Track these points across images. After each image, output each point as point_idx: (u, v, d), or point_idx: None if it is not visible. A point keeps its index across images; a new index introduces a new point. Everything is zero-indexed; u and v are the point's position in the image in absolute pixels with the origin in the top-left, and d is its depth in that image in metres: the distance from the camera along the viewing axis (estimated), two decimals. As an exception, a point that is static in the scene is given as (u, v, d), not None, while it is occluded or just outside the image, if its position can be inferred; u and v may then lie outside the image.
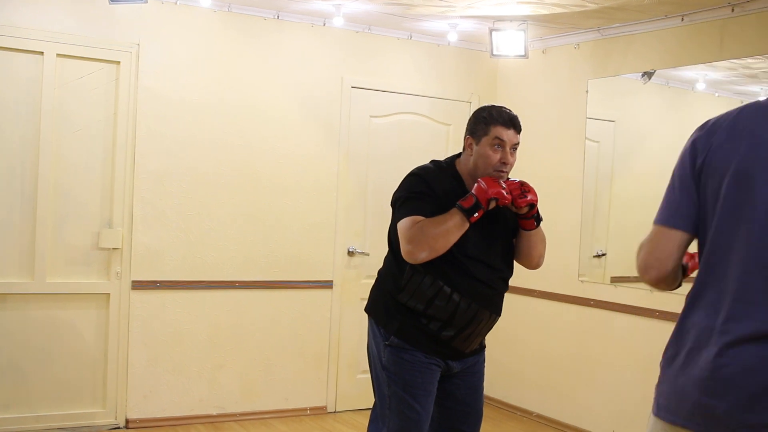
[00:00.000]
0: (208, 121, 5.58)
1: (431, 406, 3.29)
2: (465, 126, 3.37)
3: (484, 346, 3.47)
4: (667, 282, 2.18)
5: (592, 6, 5.06)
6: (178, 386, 5.54)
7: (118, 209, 5.34)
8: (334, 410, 6.03)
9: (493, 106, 3.33)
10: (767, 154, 1.93)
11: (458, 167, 3.31)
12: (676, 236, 2.10)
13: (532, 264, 3.40)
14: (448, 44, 6.26)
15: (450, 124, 6.43)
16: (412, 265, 3.17)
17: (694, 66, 5.31)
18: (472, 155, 3.25)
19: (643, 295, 5.28)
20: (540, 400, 6.10)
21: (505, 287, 3.36)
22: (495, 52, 5.71)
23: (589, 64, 5.82)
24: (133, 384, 5.40)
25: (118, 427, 5.37)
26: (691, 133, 2.14)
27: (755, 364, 1.88)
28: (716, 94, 5.88)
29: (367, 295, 6.01)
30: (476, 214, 3.05)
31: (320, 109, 5.95)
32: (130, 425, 5.38)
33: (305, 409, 5.96)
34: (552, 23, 5.63)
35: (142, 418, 5.42)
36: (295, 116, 5.86)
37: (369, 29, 6.01)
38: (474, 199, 3.05)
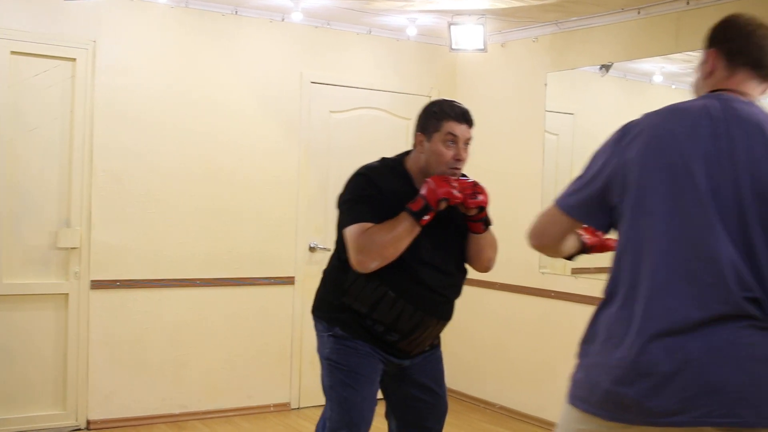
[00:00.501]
0: (167, 118, 5.53)
1: (374, 397, 3.19)
2: None
3: (437, 344, 3.37)
4: (546, 253, 2.46)
5: (549, -1, 5.10)
6: (139, 386, 5.49)
7: (76, 208, 5.27)
8: (297, 406, 6.02)
9: (443, 101, 3.22)
10: (681, 155, 2.02)
11: (408, 165, 3.19)
12: (568, 223, 2.26)
13: (481, 268, 3.29)
14: (408, 39, 6.26)
15: (410, 119, 6.41)
16: (352, 270, 3.05)
17: (651, 59, 5.36)
18: (423, 153, 3.13)
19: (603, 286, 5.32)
20: (502, 392, 6.14)
21: (457, 294, 3.25)
22: (454, 47, 5.72)
23: (548, 57, 5.86)
24: (93, 385, 5.34)
25: (79, 429, 5.30)
26: (613, 132, 2.20)
27: (661, 355, 1.97)
28: (673, 86, 5.95)
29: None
30: (426, 217, 2.94)
31: (280, 105, 5.92)
32: (92, 426, 5.32)
33: (269, 406, 5.93)
34: (511, 17, 5.65)
35: (104, 419, 5.36)
36: (255, 112, 5.83)
37: (328, 24, 5.99)
38: (423, 202, 2.94)
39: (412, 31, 5.99)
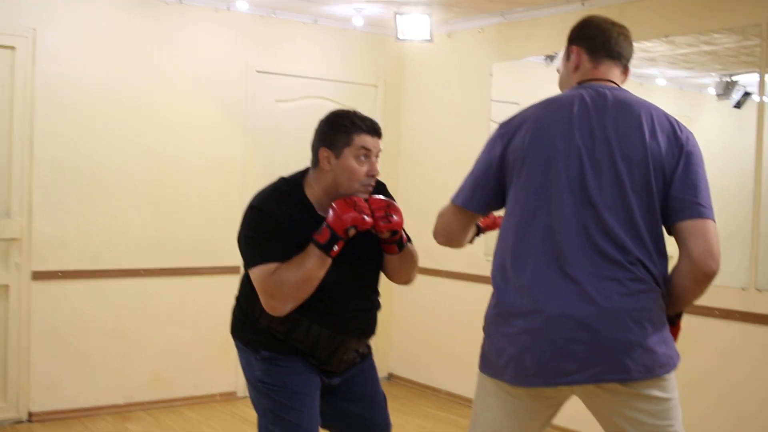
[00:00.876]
0: (110, 106, 5.45)
1: (317, 416, 2.94)
2: (374, 110, 3.12)
3: (368, 353, 3.12)
4: (454, 246, 2.65)
5: (494, -10, 5.13)
6: (83, 377, 5.42)
7: (16, 198, 5.17)
8: (244, 395, 5.99)
9: (348, 112, 2.94)
10: (559, 140, 2.31)
11: (307, 188, 2.87)
12: (468, 216, 2.51)
13: (401, 282, 3.08)
14: (354, 28, 6.26)
15: (356, 108, 6.42)
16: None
17: (594, 49, 5.42)
18: (330, 170, 2.81)
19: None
20: (449, 378, 6.19)
21: (376, 310, 3.03)
22: (400, 37, 5.73)
23: (494, 47, 5.90)
24: (35, 376, 5.26)
25: (21, 421, 5.22)
26: (494, 130, 2.52)
27: (558, 321, 2.23)
28: (615, 77, 6.02)
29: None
30: (336, 248, 2.69)
31: (225, 94, 5.88)
32: (34, 418, 5.25)
33: (215, 395, 5.91)
34: (456, 7, 5.68)
35: (47, 411, 5.29)
36: (200, 101, 5.78)
37: (274, 13, 5.96)
38: (329, 232, 2.67)
39: (358, 21, 5.99)
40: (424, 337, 6.41)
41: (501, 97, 5.92)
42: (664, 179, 2.28)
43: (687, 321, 4.64)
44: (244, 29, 5.92)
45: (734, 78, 5.31)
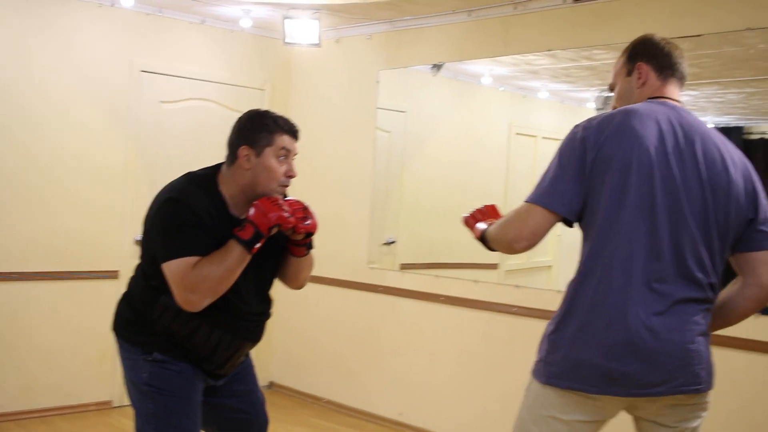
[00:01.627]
0: (-17, 101, 5.23)
1: (200, 423, 2.93)
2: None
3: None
4: (526, 251, 2.49)
5: (383, -2, 5.16)
6: (-52, 385, 5.17)
7: None
8: (120, 404, 5.82)
9: (268, 112, 2.94)
10: (647, 153, 2.31)
11: (221, 185, 2.85)
12: (552, 218, 2.39)
13: (296, 286, 3.13)
14: (242, 30, 6.18)
15: (242, 112, 6.35)
16: (162, 300, 2.78)
17: (480, 60, 5.53)
18: (249, 169, 2.80)
19: (429, 281, 5.45)
20: (330, 386, 6.17)
21: (270, 315, 3.06)
22: (288, 40, 5.70)
23: (381, 55, 5.93)
24: None
25: None
26: (574, 128, 2.44)
27: (650, 333, 2.28)
28: (501, 89, 6.16)
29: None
30: (257, 245, 2.69)
31: (108, 93, 5.71)
32: None
33: (89, 405, 5.72)
34: (345, 13, 5.68)
35: None
36: (81, 100, 5.60)
37: (160, 12, 5.83)
38: (253, 228, 2.67)
39: (246, 23, 5.92)
40: (305, 345, 6.38)
41: (388, 105, 5.95)
42: (739, 210, 2.40)
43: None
44: (129, 27, 5.76)
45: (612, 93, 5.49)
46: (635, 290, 2.28)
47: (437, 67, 5.66)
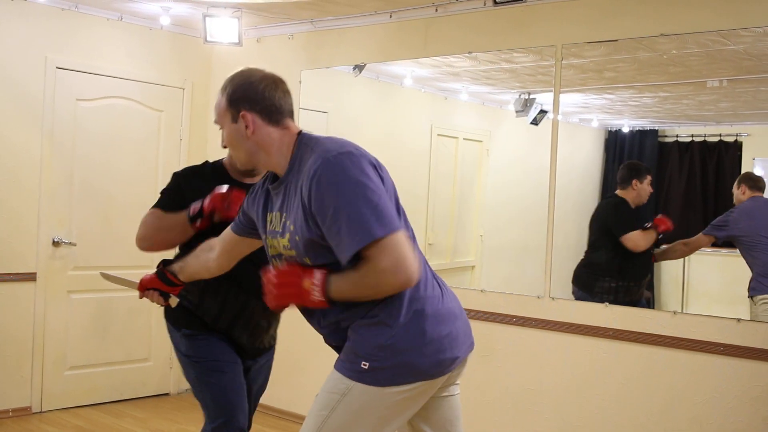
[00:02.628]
0: None
1: (241, 379, 3.33)
2: (181, 112, 3.28)
3: (273, 345, 3.57)
4: None
5: (306, -2, 5.15)
6: None
7: None
8: (39, 410, 5.69)
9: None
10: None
11: (226, 158, 3.35)
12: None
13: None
14: (161, 28, 6.10)
15: (162, 111, 6.28)
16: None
17: (402, 61, 5.56)
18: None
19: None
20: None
21: None
22: (209, 39, 5.63)
23: (303, 54, 5.91)
24: None
25: None
26: (358, 153, 2.32)
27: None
28: (422, 90, 6.20)
29: (76, 286, 5.76)
30: (197, 223, 3.14)
31: (21, 90, 5.56)
32: None
33: (7, 411, 5.56)
34: (266, 12, 5.65)
35: None
36: (-7, 97, 5.45)
37: (76, 7, 5.70)
38: (198, 208, 3.14)
39: (165, 20, 5.84)
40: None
41: (310, 105, 5.94)
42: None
43: (488, 327, 4.82)
44: (44, 22, 5.62)
45: (532, 96, 5.59)
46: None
47: (359, 67, 5.67)
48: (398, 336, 2.31)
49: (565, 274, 4.95)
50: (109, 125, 5.98)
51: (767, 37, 4.16)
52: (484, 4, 4.89)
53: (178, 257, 3.18)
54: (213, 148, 6.47)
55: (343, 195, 2.20)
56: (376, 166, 2.34)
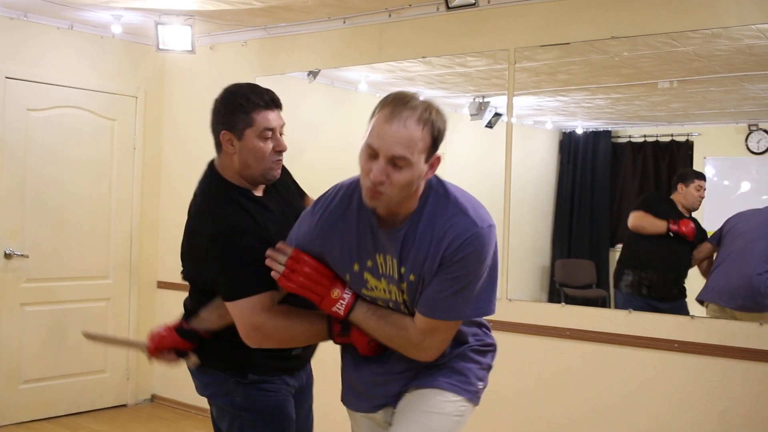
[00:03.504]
0: None
1: None
2: (134, 121, 2.93)
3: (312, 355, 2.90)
4: None
5: (258, 4, 5.12)
6: None
7: None
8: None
9: (243, 87, 2.65)
10: None
11: (223, 173, 2.68)
12: None
13: None
14: (113, 36, 6.03)
15: (115, 119, 6.21)
16: None
17: (356, 67, 5.56)
18: (235, 153, 2.60)
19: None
20: (214, 397, 6.08)
21: None
22: (161, 47, 5.59)
23: (257, 61, 5.89)
24: None
25: None
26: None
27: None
28: (377, 95, 6.20)
29: (29, 299, 5.66)
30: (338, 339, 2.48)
31: (-30, 101, 5.47)
32: None
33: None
34: (219, 19, 5.62)
35: None
36: (-60, 108, 5.35)
37: (25, 16, 5.62)
38: (347, 339, 2.44)
39: (117, 29, 5.78)
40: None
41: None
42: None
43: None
44: (-8, 32, 5.54)
45: (486, 99, 5.63)
46: None
47: (313, 73, 5.67)
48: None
49: (523, 275, 5.01)
50: (61, 135, 5.90)
51: (716, 38, 4.24)
52: (437, 9, 4.91)
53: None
54: (168, 157, 6.42)
55: (479, 270, 2.18)
56: None
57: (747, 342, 3.92)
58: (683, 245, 4.89)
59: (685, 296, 4.92)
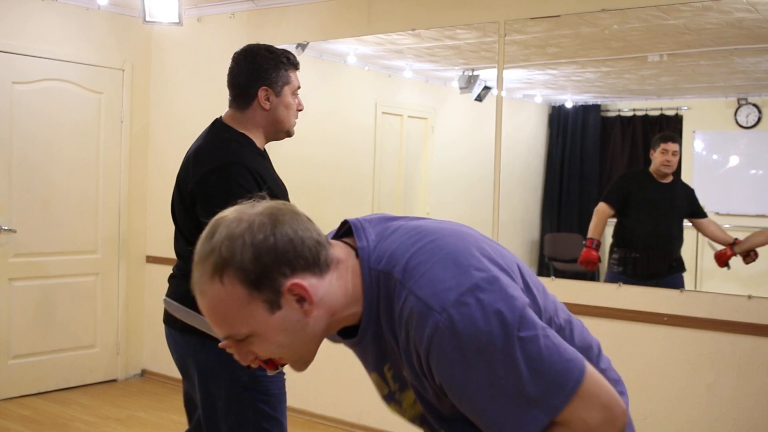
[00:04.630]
0: None
1: None
2: (121, 94, 3.00)
3: None
4: None
5: (246, -24, 5.08)
6: None
7: None
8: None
9: (274, 49, 2.89)
10: None
11: (238, 128, 2.86)
12: None
13: None
14: (98, 8, 5.97)
15: (102, 92, 6.16)
16: None
17: (345, 40, 5.52)
18: (269, 109, 2.82)
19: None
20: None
21: None
22: (148, 18, 5.52)
23: (245, 33, 5.84)
24: None
25: None
26: None
27: None
28: (366, 68, 6.18)
29: (17, 273, 5.65)
30: None
31: (-46, 74, 5.41)
32: None
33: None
34: (207, -9, 5.57)
35: None
36: (-76, 81, 5.29)
37: (9, -12, 5.56)
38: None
39: (102, 0, 5.72)
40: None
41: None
42: None
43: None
44: (-25, 4, 5.48)
45: (475, 72, 5.61)
46: None
47: (302, 46, 5.62)
48: None
49: (512, 249, 4.96)
50: (48, 108, 5.85)
51: (706, 11, 4.22)
52: (427, -19, 4.87)
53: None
54: (155, 130, 6.38)
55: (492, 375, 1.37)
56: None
57: (735, 315, 3.95)
58: (673, 220, 4.85)
59: (682, 270, 4.85)
